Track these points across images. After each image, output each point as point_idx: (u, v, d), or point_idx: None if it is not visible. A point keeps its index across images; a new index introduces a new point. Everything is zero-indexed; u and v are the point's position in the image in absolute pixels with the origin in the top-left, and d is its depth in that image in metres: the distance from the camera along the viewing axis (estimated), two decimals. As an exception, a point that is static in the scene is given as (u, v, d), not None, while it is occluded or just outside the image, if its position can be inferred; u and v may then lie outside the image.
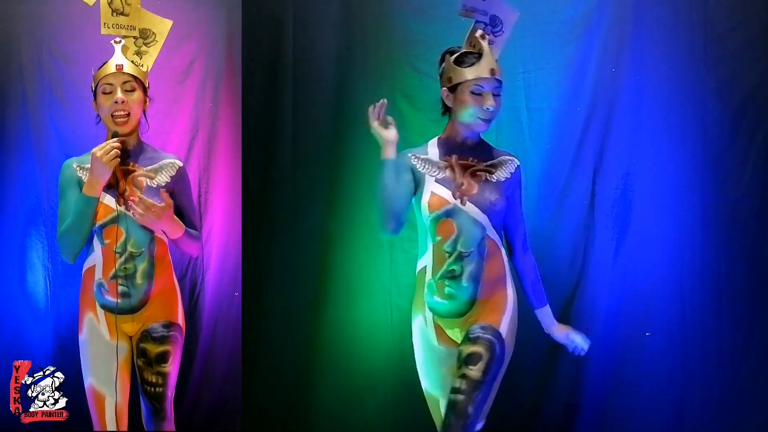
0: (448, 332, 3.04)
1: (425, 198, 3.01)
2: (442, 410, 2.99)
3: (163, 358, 3.18)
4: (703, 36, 3.75)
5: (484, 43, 3.00)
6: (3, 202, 3.95)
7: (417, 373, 3.86)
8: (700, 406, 3.76)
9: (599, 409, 3.82)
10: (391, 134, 3.04)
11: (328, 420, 3.99)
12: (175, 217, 3.16)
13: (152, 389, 3.18)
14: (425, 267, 3.04)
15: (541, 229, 3.71)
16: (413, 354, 3.87)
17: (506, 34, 3.08)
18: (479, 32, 3.02)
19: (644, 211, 3.81)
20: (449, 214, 2.97)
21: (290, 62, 4.00)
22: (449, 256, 2.97)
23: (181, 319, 3.26)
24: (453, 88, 3.00)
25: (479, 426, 2.94)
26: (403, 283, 3.93)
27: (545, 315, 3.15)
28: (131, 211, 3.10)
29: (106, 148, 3.07)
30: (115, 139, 3.11)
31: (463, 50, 3.03)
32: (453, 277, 2.97)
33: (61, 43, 3.95)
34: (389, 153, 3.02)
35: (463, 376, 2.90)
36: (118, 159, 3.08)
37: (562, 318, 3.80)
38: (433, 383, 3.06)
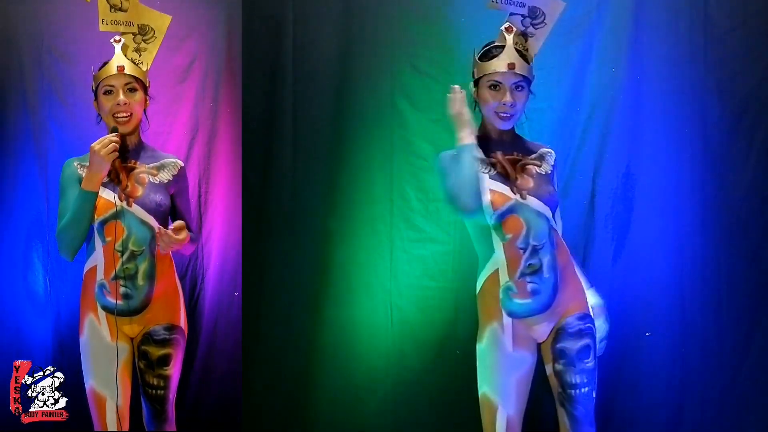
0: (532, 329, 3.01)
1: (486, 198, 2.96)
2: (503, 422, 2.96)
3: (164, 361, 3.17)
4: (703, 36, 3.75)
5: (509, 36, 2.99)
6: (3, 202, 3.94)
7: (416, 373, 3.88)
8: (700, 406, 3.76)
9: (599, 409, 3.81)
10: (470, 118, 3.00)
11: (328, 420, 3.99)
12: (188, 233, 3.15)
13: (154, 392, 3.18)
14: (497, 270, 2.99)
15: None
16: (412, 354, 3.90)
17: (549, 26, 3.04)
18: (506, 24, 3.01)
19: (644, 211, 3.81)
20: (513, 210, 2.96)
21: (290, 62, 4.00)
22: (524, 252, 2.95)
23: (183, 322, 3.25)
24: (477, 83, 3.01)
25: None
26: (403, 283, 3.93)
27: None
28: (157, 243, 3.09)
29: (104, 142, 3.06)
30: (114, 134, 3.11)
31: (491, 44, 3.02)
32: (534, 272, 2.95)
33: (61, 43, 3.95)
34: (472, 137, 2.98)
35: (583, 371, 2.96)
36: (117, 153, 3.08)
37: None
38: (497, 389, 2.98)
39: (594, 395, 3.03)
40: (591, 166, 3.81)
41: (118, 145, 3.07)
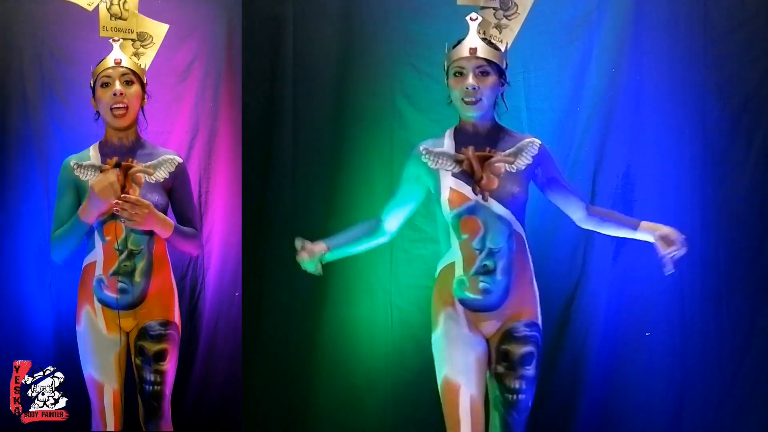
0: (480, 323, 3.00)
1: (444, 195, 2.95)
2: (466, 402, 2.91)
3: (161, 356, 3.21)
4: (703, 36, 3.75)
5: (472, 24, 2.98)
6: (3, 202, 3.94)
7: (416, 373, 3.87)
8: (700, 406, 3.76)
9: (599, 409, 3.82)
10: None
11: (328, 420, 3.99)
12: (161, 214, 3.16)
13: (151, 387, 3.20)
14: (453, 263, 2.98)
15: (541, 229, 3.70)
16: (412, 354, 3.90)
17: (523, 15, 3.05)
18: (474, 14, 3.01)
19: (644, 211, 3.80)
20: (472, 210, 2.93)
21: (290, 62, 4.00)
22: (480, 253, 2.94)
23: (177, 318, 3.28)
24: (447, 76, 3.01)
25: None
26: (403, 283, 3.93)
27: (646, 231, 3.07)
28: (121, 219, 3.10)
29: (104, 183, 3.08)
30: (115, 170, 3.12)
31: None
32: (487, 272, 2.94)
33: (61, 43, 3.95)
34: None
35: (522, 377, 2.93)
36: (118, 192, 3.08)
37: (563, 318, 3.81)
38: (458, 369, 2.94)
39: (530, 405, 2.99)
40: (591, 166, 3.81)
41: (119, 185, 3.09)
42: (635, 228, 3.07)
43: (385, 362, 3.93)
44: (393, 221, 3.15)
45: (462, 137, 3.01)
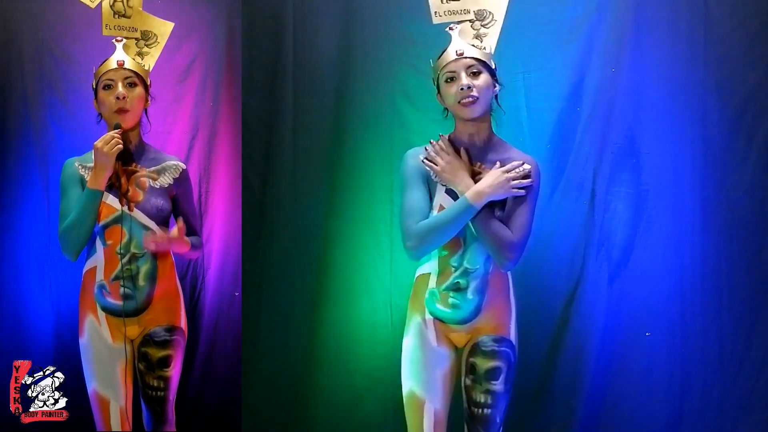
0: (452, 336, 3.03)
1: (434, 210, 2.97)
2: (430, 417, 2.95)
3: (165, 362, 3.17)
4: (703, 36, 3.75)
5: (452, 33, 3.01)
6: (3, 202, 3.94)
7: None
8: (700, 406, 3.76)
9: (599, 409, 3.82)
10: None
11: (328, 420, 3.99)
12: (185, 237, 3.14)
13: (154, 393, 3.17)
14: (429, 274, 3.01)
15: (541, 229, 3.70)
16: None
17: (500, 21, 3.08)
18: (449, 26, 3.04)
19: (644, 211, 3.80)
20: None
21: (290, 62, 4.00)
22: (455, 270, 2.94)
23: (183, 323, 3.25)
24: (438, 88, 3.00)
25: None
26: (403, 283, 3.92)
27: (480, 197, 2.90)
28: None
29: (107, 139, 3.05)
30: (116, 130, 3.09)
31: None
32: (458, 289, 2.95)
33: (61, 43, 3.95)
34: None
35: (488, 391, 2.91)
36: (121, 147, 3.05)
37: (562, 318, 3.81)
38: (423, 386, 2.98)
39: (498, 420, 2.98)
40: (591, 166, 3.81)
41: (121, 140, 3.06)
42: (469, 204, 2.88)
43: (386, 362, 3.92)
44: None
45: (456, 148, 3.00)
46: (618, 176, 3.81)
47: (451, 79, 2.93)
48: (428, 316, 3.01)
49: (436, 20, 3.20)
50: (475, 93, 2.91)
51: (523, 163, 2.97)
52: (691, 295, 3.77)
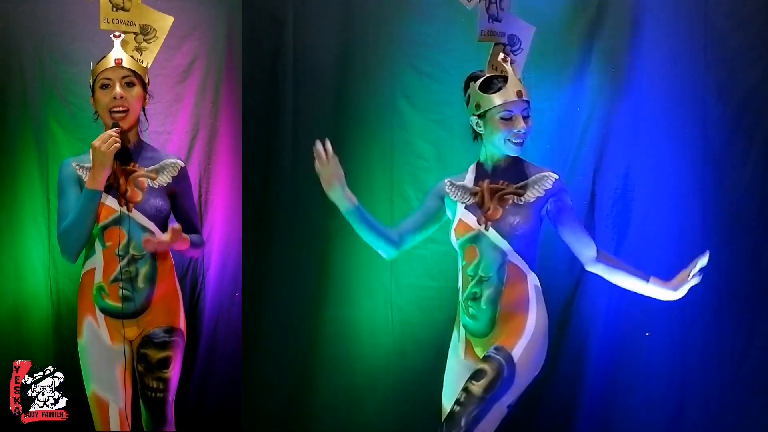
0: (476, 349, 3.05)
1: (454, 225, 3.05)
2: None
3: (164, 363, 3.14)
4: (703, 36, 3.75)
5: (507, 66, 3.00)
6: (3, 202, 3.94)
7: (417, 373, 3.88)
8: (700, 406, 3.76)
9: (599, 409, 3.82)
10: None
11: (328, 420, 3.99)
12: (184, 235, 3.12)
13: (153, 394, 3.15)
14: (459, 287, 3.08)
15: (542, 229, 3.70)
16: (413, 354, 3.90)
17: (525, 51, 3.09)
18: (501, 55, 3.03)
19: (644, 211, 3.80)
20: (473, 240, 3.00)
21: (290, 62, 4.00)
22: (471, 280, 2.99)
23: (182, 324, 3.22)
24: (482, 115, 2.99)
25: None
26: (403, 283, 3.93)
27: (654, 289, 3.12)
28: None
29: (105, 137, 3.02)
30: (113, 129, 3.06)
31: (487, 75, 3.01)
32: (474, 299, 2.99)
33: (61, 42, 3.95)
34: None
35: (465, 389, 2.90)
36: (119, 146, 3.03)
37: (562, 318, 3.81)
38: (451, 398, 2.99)
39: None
40: (591, 166, 3.81)
41: (119, 140, 3.03)
42: (646, 280, 3.11)
43: (386, 362, 3.93)
44: (407, 241, 3.20)
45: (482, 171, 3.06)
46: (618, 176, 3.81)
47: (509, 118, 2.97)
48: (462, 330, 3.06)
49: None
50: (526, 135, 2.98)
51: (549, 174, 3.05)
52: (692, 295, 3.76)
